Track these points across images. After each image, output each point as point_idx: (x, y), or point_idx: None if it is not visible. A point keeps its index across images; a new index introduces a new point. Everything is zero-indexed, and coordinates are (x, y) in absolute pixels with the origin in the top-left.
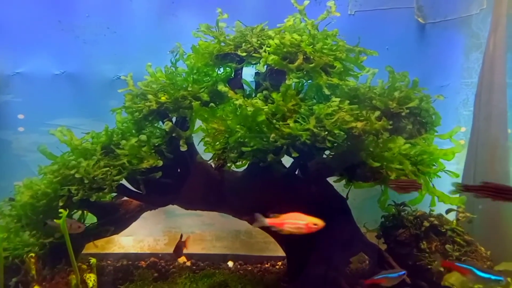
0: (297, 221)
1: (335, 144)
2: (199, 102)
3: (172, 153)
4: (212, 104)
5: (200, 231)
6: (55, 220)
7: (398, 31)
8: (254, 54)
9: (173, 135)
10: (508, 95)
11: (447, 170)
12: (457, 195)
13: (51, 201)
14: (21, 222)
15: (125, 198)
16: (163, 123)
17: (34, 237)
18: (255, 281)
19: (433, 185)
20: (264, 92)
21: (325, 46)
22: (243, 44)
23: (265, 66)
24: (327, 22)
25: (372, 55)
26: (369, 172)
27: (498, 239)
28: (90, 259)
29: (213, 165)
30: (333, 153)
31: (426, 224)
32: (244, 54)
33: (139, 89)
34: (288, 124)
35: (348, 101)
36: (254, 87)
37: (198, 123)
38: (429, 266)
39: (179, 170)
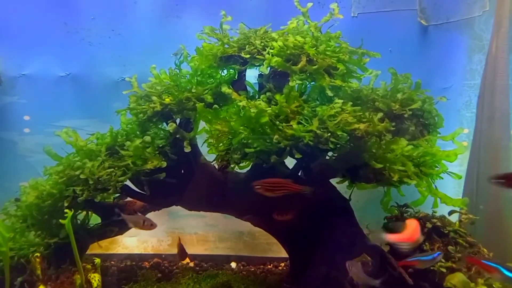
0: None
1: (338, 146)
2: (203, 103)
3: (176, 154)
4: (215, 105)
5: (203, 232)
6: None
7: (401, 33)
8: (257, 56)
9: (177, 136)
10: (511, 96)
11: (449, 172)
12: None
13: (57, 201)
14: (27, 222)
15: (129, 199)
16: (167, 124)
17: (40, 237)
18: (258, 282)
19: (435, 186)
20: (268, 93)
21: (328, 48)
22: (247, 46)
23: (269, 68)
24: (330, 24)
25: (375, 57)
26: (371, 174)
27: (501, 241)
28: (94, 259)
29: (216, 166)
30: (336, 155)
31: (428, 225)
32: (248, 56)
33: (143, 91)
34: (291, 125)
35: (351, 103)
36: (257, 89)
37: (202, 124)
38: (432, 267)
39: (182, 171)
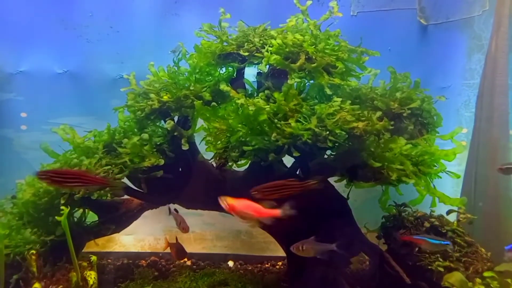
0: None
1: (337, 144)
2: (201, 101)
3: (174, 152)
4: (214, 103)
5: (201, 230)
6: None
7: (400, 32)
8: (256, 54)
9: (175, 134)
10: (510, 96)
11: (448, 171)
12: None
13: (53, 199)
14: (23, 219)
15: (126, 196)
16: (165, 122)
17: (36, 235)
18: (255, 281)
19: (434, 185)
20: (266, 91)
21: (327, 46)
22: (246, 44)
23: (267, 66)
24: (330, 23)
25: (374, 56)
26: (370, 173)
27: (499, 240)
28: (90, 257)
29: (214, 164)
30: (334, 153)
31: (426, 224)
32: (247, 53)
33: (141, 88)
34: (290, 123)
35: (350, 101)
36: (256, 87)
37: (200, 122)
38: (429, 267)
39: (180, 169)
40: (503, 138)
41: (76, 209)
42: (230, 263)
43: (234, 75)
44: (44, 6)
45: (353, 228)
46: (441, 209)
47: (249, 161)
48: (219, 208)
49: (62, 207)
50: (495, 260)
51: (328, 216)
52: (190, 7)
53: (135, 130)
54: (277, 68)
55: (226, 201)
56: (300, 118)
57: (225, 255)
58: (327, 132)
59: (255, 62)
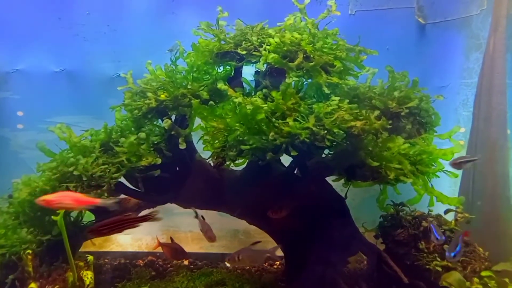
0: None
1: (334, 143)
2: (199, 100)
3: (171, 151)
4: (211, 102)
5: (198, 230)
6: None
7: (398, 31)
8: (254, 53)
9: (172, 133)
10: (508, 96)
11: (446, 170)
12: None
13: None
14: (19, 219)
15: (123, 196)
16: (162, 121)
17: (32, 234)
18: (252, 281)
19: (432, 185)
20: (264, 90)
21: (325, 45)
22: (243, 42)
23: (265, 65)
24: (328, 21)
25: (372, 55)
26: (368, 172)
27: (496, 240)
28: (87, 256)
29: (212, 164)
30: (332, 152)
31: (424, 224)
32: (244, 52)
33: (138, 87)
34: (288, 122)
35: (348, 100)
36: (254, 86)
37: (198, 121)
38: (427, 266)
39: (178, 168)
40: (501, 137)
41: None
42: (228, 263)
43: (232, 74)
44: (40, 4)
45: (351, 228)
46: (439, 209)
47: (247, 160)
48: (216, 207)
49: None
50: (492, 260)
51: (326, 215)
52: (187, 6)
53: (132, 129)
54: (275, 66)
55: (41, 199)
56: (298, 117)
57: (223, 255)
58: (325, 131)
59: (253, 61)
